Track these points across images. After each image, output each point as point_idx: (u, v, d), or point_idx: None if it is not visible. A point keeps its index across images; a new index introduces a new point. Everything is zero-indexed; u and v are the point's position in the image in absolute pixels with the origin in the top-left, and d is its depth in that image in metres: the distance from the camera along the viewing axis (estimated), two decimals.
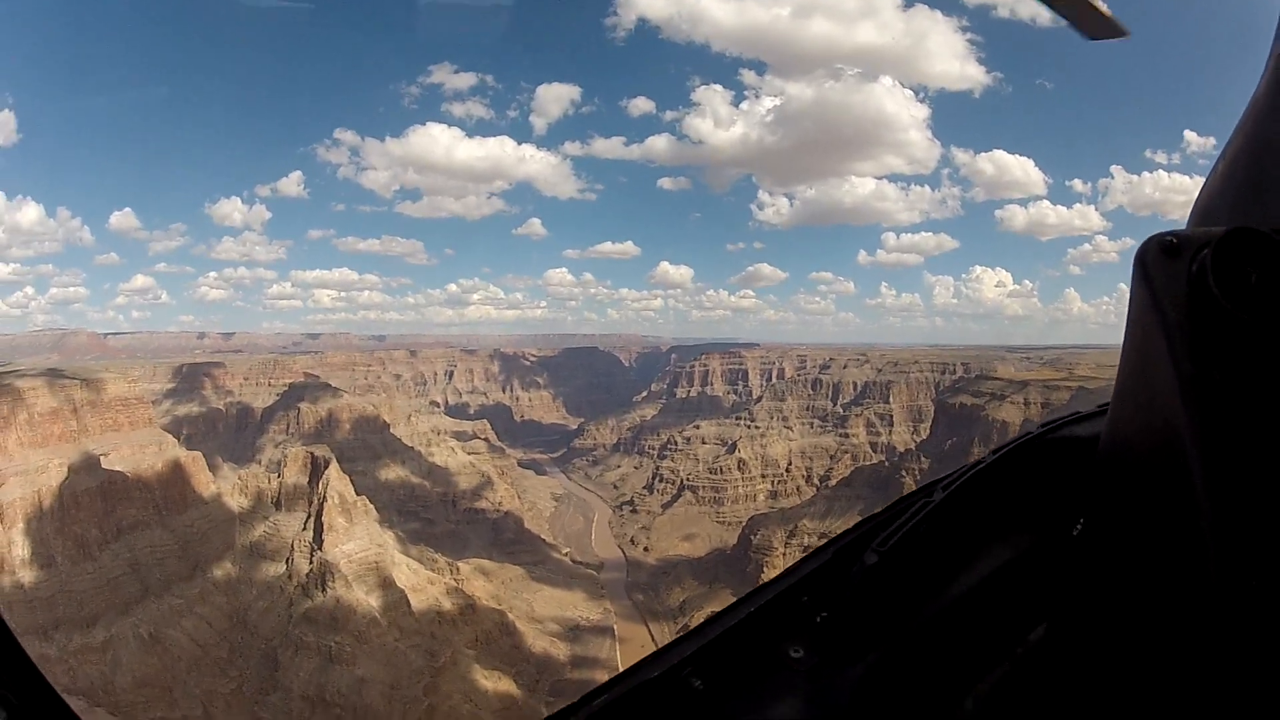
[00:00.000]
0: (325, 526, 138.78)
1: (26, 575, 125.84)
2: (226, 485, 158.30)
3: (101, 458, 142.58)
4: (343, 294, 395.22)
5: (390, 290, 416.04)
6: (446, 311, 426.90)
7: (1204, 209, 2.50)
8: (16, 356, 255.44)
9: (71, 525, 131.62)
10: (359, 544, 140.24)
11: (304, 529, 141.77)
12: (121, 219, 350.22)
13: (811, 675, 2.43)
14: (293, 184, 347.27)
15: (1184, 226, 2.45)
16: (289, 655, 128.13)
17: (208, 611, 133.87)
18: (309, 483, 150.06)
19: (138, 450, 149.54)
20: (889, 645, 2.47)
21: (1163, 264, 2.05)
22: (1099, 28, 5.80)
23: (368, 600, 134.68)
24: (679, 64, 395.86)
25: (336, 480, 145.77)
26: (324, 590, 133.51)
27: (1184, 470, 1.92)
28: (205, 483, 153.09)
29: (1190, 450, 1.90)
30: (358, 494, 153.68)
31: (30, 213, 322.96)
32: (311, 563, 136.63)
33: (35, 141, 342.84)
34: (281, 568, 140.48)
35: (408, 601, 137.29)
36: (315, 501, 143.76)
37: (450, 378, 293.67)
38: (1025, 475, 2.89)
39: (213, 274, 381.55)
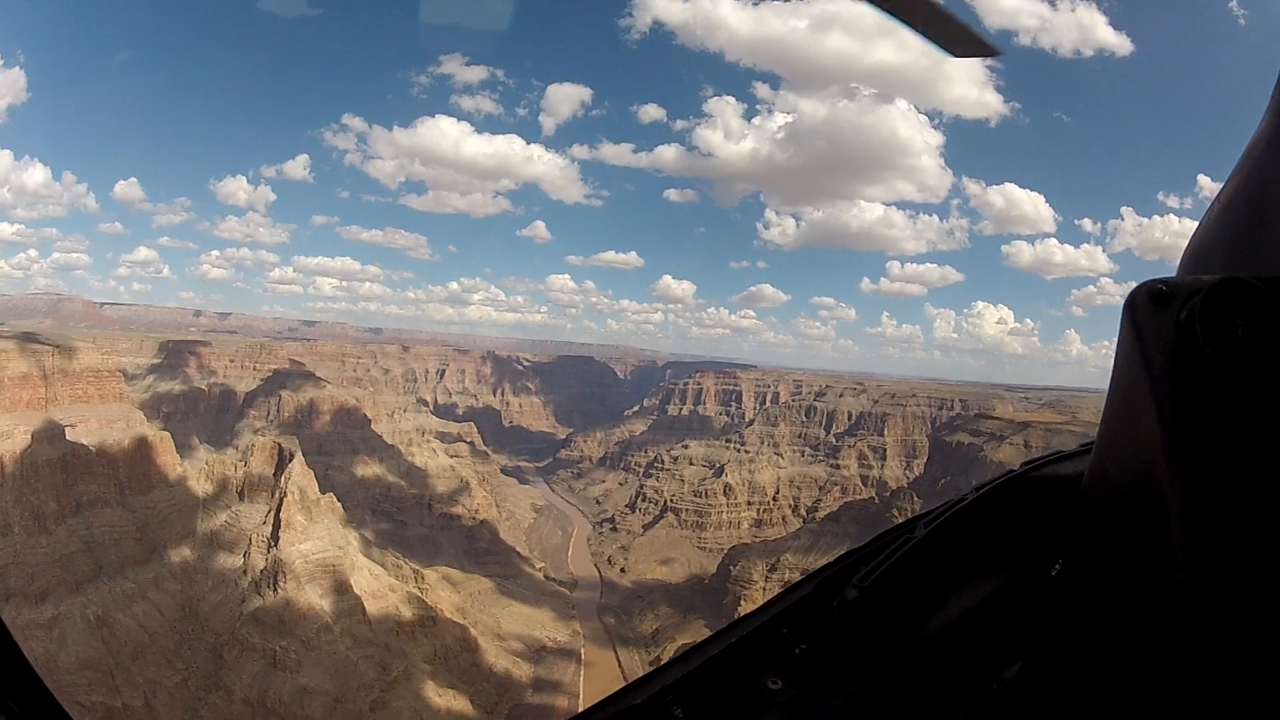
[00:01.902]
0: (283, 523, 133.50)
1: None
2: (195, 468, 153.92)
3: (68, 429, 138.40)
4: (344, 283, 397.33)
5: (391, 283, 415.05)
6: (447, 310, 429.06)
7: (1196, 254, 2.54)
8: (10, 318, 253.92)
9: (30, 495, 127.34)
10: (317, 544, 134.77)
11: (264, 522, 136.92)
12: (126, 188, 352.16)
13: (790, 706, 2.45)
14: (298, 167, 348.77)
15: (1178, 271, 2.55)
16: (234, 655, 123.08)
17: (160, 599, 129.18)
18: (274, 474, 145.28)
19: (105, 424, 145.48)
20: (867, 678, 2.50)
21: (1151, 312, 2.08)
22: (967, 47, 5.50)
23: (320, 604, 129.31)
24: (692, 71, 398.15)
25: (299, 475, 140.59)
26: (275, 590, 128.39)
27: (1162, 516, 1.96)
28: (172, 464, 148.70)
29: (1169, 498, 1.94)
30: (329, 489, 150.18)
31: (36, 174, 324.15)
32: (266, 559, 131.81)
33: (44, 103, 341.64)
34: (238, 560, 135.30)
35: (363, 608, 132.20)
36: (277, 495, 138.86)
37: (441, 377, 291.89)
38: (1007, 513, 2.91)
39: (215, 252, 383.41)
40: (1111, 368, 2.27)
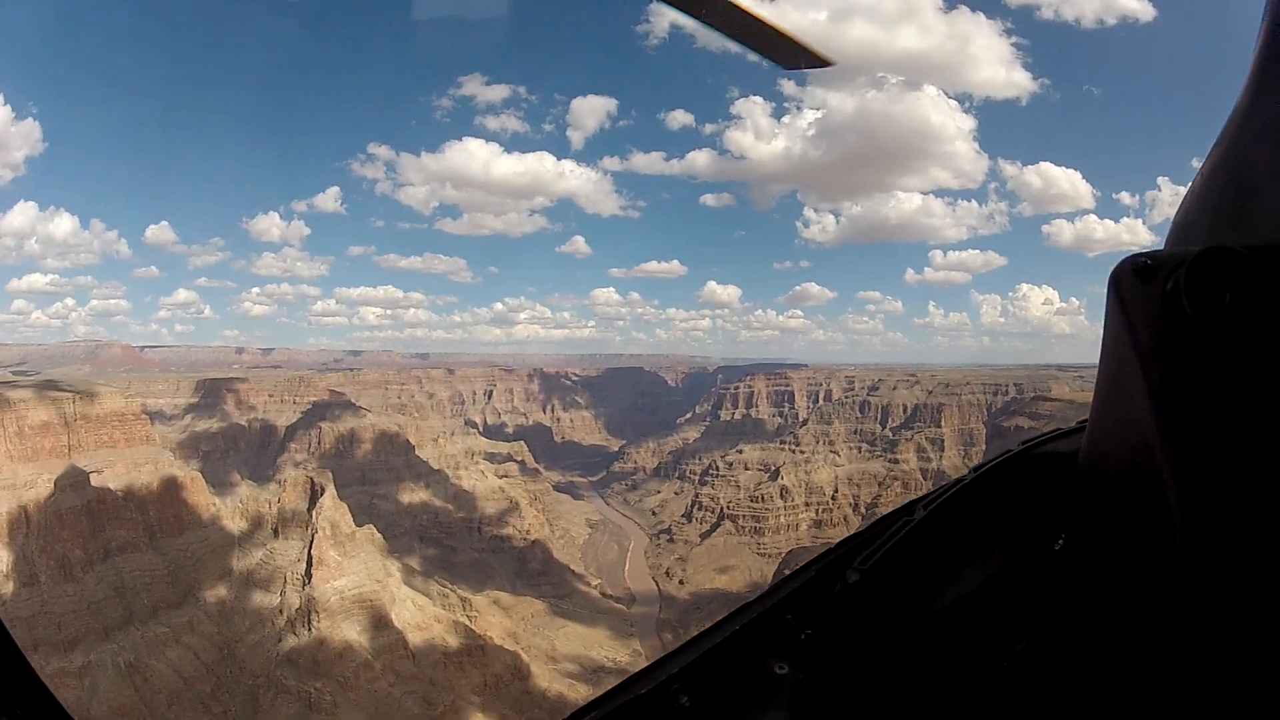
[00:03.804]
0: (315, 560, 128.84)
1: (6, 591, 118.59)
2: (231, 506, 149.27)
3: (93, 475, 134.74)
4: (388, 311, 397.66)
5: (436, 308, 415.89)
6: (494, 330, 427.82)
7: (1182, 227, 2.50)
8: (49, 367, 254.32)
9: (54, 544, 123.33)
10: (353, 579, 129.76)
11: (298, 559, 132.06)
12: (158, 232, 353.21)
13: (796, 691, 2.46)
14: (330, 199, 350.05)
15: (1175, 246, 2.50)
16: (269, 699, 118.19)
17: (195, 642, 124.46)
18: (308, 509, 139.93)
19: (133, 468, 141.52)
20: (873, 661, 2.51)
21: (1136, 286, 2.10)
22: (797, 59, 5.58)
23: (358, 640, 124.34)
24: (716, 73, 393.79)
25: (330, 509, 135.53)
26: (309, 629, 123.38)
27: (1159, 486, 1.95)
28: (205, 504, 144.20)
29: (1164, 467, 1.93)
30: (373, 519, 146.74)
31: (64, 223, 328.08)
32: (301, 597, 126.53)
33: (64, 152, 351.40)
34: (275, 599, 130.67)
35: (405, 642, 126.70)
36: (309, 531, 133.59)
37: (490, 397, 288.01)
38: (1007, 492, 2.95)
39: (255, 290, 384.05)
40: (1100, 345, 2.27)
